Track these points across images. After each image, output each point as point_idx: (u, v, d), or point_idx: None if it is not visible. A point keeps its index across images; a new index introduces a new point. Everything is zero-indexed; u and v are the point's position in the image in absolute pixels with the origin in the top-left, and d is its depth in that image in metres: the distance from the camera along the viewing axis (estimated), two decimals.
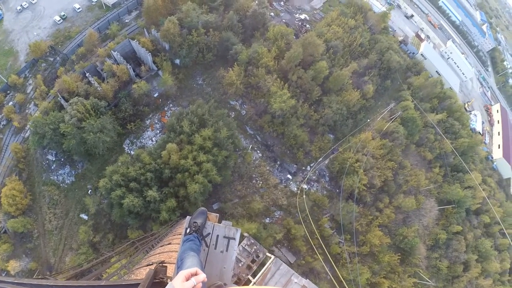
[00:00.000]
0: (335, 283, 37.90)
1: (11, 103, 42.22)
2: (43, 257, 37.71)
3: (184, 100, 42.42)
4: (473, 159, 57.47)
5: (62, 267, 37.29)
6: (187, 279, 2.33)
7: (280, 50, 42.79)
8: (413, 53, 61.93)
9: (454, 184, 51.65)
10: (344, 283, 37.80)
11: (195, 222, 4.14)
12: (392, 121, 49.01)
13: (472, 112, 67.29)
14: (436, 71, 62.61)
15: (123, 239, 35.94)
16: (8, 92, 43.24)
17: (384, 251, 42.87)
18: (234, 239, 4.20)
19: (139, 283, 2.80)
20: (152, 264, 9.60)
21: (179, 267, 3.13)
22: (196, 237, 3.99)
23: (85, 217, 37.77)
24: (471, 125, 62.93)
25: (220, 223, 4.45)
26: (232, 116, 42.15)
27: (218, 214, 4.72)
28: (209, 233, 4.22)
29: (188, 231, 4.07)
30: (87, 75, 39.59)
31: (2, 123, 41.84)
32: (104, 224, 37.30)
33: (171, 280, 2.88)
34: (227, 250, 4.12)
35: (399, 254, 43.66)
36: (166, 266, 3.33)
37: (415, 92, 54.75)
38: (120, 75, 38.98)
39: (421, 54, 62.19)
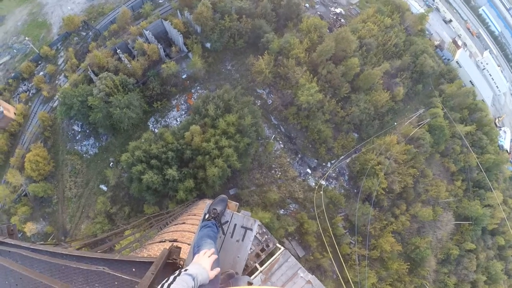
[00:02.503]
0: (342, 282, 37.56)
1: (41, 73, 43.26)
2: (60, 222, 38.99)
3: (212, 84, 42.24)
4: (496, 177, 54.98)
5: (77, 234, 38.51)
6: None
7: (312, 43, 41.63)
8: (448, 59, 59.02)
9: (474, 200, 49.73)
10: (351, 283, 37.39)
11: (214, 209, 4.13)
12: (420, 127, 47.22)
13: (502, 128, 64.06)
14: (470, 81, 59.66)
15: (139, 213, 36.80)
16: (39, 62, 44.33)
17: (394, 258, 41.98)
18: (251, 230, 4.20)
19: (153, 261, 2.83)
20: (165, 241, 9.69)
21: (195, 253, 3.16)
22: (214, 224, 3.98)
23: (104, 188, 38.72)
24: (499, 141, 60.02)
25: (239, 212, 4.42)
26: (258, 104, 41.70)
27: (238, 203, 4.70)
28: (227, 221, 4.22)
29: (207, 217, 4.07)
30: (118, 51, 39.95)
31: (31, 91, 43.05)
32: (122, 197, 38.12)
33: (184, 263, 2.99)
34: (243, 240, 4.15)
35: (408, 263, 42.63)
36: (180, 248, 3.31)
37: (446, 100, 52.33)
38: (151, 54, 39.16)
39: (456, 62, 59.27)
